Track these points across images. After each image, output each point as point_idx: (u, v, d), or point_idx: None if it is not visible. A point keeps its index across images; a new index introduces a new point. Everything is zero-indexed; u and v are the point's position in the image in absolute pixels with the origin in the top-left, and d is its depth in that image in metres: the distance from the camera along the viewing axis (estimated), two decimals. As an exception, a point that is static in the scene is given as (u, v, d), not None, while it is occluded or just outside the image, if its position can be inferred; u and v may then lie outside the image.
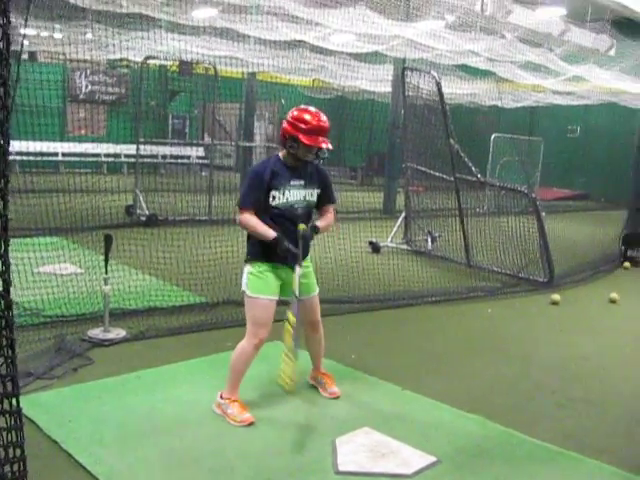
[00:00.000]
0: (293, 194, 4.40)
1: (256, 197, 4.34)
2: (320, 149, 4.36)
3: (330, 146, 4.37)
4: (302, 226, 4.39)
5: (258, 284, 4.39)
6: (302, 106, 4.50)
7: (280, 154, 4.48)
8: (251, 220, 4.33)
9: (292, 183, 4.39)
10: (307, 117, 4.34)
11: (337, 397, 4.86)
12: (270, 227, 4.33)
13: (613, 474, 4.01)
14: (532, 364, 6.04)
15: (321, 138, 4.33)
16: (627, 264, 11.24)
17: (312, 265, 4.73)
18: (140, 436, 4.08)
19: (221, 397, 4.46)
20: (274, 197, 4.34)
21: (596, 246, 11.53)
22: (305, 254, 4.53)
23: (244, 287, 4.44)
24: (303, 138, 4.28)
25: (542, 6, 13.11)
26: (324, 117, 4.39)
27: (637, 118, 12.26)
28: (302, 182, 4.45)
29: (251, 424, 4.30)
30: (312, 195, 4.53)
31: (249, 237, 4.52)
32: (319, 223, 4.59)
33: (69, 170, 18.92)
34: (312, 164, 4.51)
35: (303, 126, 4.30)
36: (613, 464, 4.10)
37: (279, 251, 4.27)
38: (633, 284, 10.12)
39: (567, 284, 9.46)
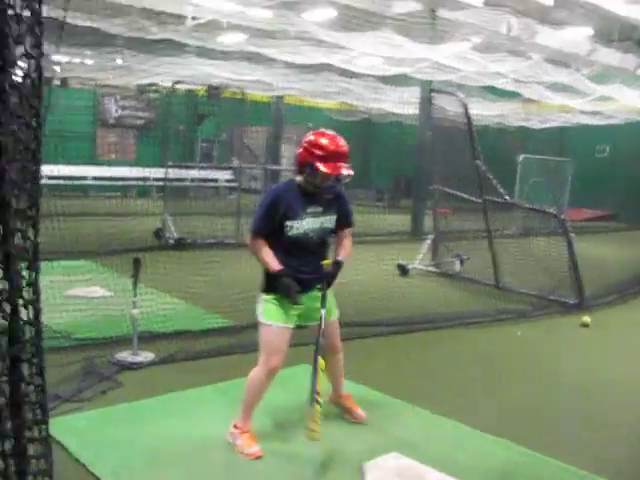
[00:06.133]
0: (309, 222, 4.23)
1: (269, 225, 4.20)
2: (339, 175, 4.19)
3: (350, 172, 4.17)
4: (327, 262, 4.31)
5: (273, 311, 4.27)
6: (319, 130, 4.31)
7: (297, 178, 4.28)
8: (261, 249, 4.20)
9: (308, 211, 4.23)
10: (324, 142, 4.16)
11: (363, 420, 4.81)
12: (283, 255, 4.22)
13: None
14: (562, 387, 5.96)
15: (339, 164, 4.13)
16: (659, 285, 11.08)
17: (332, 289, 4.58)
18: (167, 461, 4.08)
19: (234, 426, 4.36)
20: (290, 227, 4.18)
21: (626, 267, 11.38)
22: (328, 286, 4.43)
23: (258, 314, 4.33)
24: (321, 166, 4.09)
25: (568, 26, 13.06)
26: (342, 141, 4.20)
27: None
28: (320, 209, 4.28)
29: (258, 458, 4.18)
30: (330, 222, 4.37)
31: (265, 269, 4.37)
32: (341, 257, 4.42)
33: (98, 194, 19.17)
34: (333, 189, 4.35)
35: (320, 152, 4.12)
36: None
37: (280, 287, 4.16)
38: (665, 306, 9.96)
39: (597, 306, 9.34)
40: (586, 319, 8.29)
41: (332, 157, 4.13)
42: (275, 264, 4.18)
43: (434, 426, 4.89)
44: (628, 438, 4.92)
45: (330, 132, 4.30)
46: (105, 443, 4.24)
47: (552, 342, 7.59)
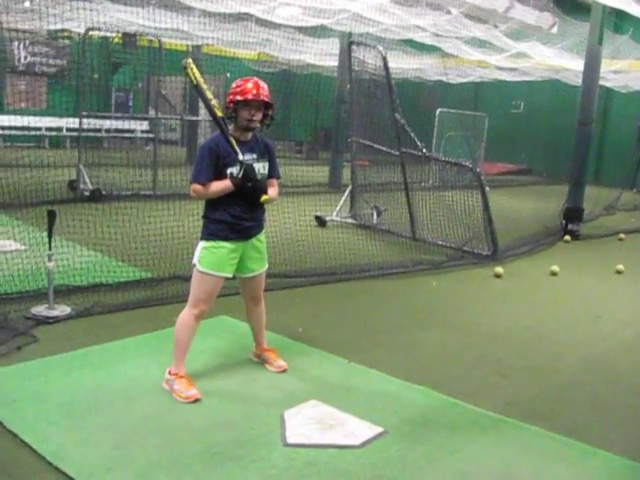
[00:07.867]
0: None
1: (210, 174, 4.31)
2: (259, 99, 4.32)
3: (267, 99, 4.36)
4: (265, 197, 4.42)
5: (211, 260, 4.38)
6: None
7: (230, 129, 4.44)
8: (208, 188, 4.31)
9: (246, 157, 4.36)
10: (244, 81, 4.39)
11: (284, 370, 4.88)
12: (225, 205, 4.36)
13: (552, 439, 4.15)
14: (476, 335, 6.17)
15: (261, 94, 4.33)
16: (567, 237, 11.52)
17: (265, 241, 4.74)
18: (87, 413, 4.05)
19: (169, 373, 4.46)
20: (232, 173, 4.32)
21: (538, 220, 11.78)
22: (259, 228, 4.60)
23: (195, 260, 4.43)
24: (240, 96, 4.29)
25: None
26: (262, 82, 4.41)
27: (577, 94, 12.47)
28: (254, 155, 4.45)
29: (197, 400, 4.29)
30: (265, 168, 4.54)
31: (205, 217, 4.49)
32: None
33: (9, 144, 18.46)
34: (261, 138, 4.56)
35: (239, 89, 4.34)
36: (552, 429, 4.25)
37: (245, 185, 4.30)
38: (573, 257, 10.38)
39: (510, 257, 9.65)
40: (499, 270, 8.57)
41: (251, 90, 4.33)
42: (226, 182, 4.31)
43: (353, 374, 4.99)
44: (537, 380, 5.15)
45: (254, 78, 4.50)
46: (22, 399, 4.16)
47: (466, 292, 7.82)
